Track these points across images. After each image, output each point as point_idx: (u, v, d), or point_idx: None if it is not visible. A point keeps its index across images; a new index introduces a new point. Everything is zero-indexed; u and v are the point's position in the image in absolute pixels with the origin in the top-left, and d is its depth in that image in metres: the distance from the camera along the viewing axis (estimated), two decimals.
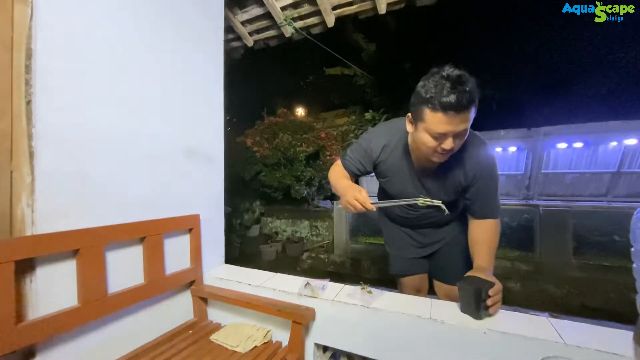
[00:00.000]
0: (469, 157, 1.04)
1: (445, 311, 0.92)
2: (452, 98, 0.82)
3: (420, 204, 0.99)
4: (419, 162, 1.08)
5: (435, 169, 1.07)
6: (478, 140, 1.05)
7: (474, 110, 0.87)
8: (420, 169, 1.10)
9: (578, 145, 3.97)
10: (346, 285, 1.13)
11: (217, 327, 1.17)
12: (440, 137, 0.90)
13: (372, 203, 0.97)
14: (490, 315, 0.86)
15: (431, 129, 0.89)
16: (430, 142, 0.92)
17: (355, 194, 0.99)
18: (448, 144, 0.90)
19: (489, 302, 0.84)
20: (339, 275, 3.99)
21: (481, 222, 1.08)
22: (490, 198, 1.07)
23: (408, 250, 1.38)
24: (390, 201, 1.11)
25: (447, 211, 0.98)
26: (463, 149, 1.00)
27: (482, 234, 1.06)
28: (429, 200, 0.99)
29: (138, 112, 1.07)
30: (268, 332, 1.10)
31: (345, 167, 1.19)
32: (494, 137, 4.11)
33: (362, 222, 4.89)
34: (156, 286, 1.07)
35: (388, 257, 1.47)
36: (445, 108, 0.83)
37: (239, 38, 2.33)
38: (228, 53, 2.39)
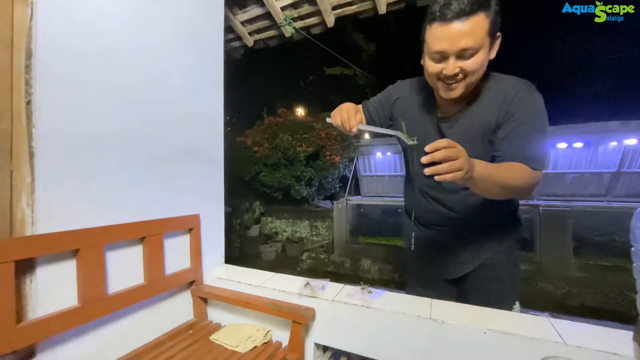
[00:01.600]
0: (503, 92, 0.81)
1: (445, 311, 0.92)
2: (447, 2, 0.68)
3: (401, 136, 0.82)
4: (440, 106, 0.92)
5: (459, 113, 0.88)
6: (517, 79, 0.84)
7: (485, 20, 0.69)
8: (443, 116, 0.92)
9: (578, 145, 3.98)
10: (346, 285, 1.13)
11: (217, 327, 1.17)
12: (440, 58, 0.75)
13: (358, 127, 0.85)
14: (432, 180, 0.63)
15: (430, 48, 0.75)
16: (431, 67, 0.77)
17: (350, 108, 0.85)
18: (450, 67, 0.73)
19: (423, 159, 0.61)
20: (339, 275, 3.99)
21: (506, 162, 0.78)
22: (526, 141, 0.77)
23: (429, 266, 1.12)
24: (374, 127, 0.93)
25: (409, 141, 0.77)
26: (495, 85, 0.82)
27: (499, 164, 0.77)
28: (405, 135, 0.80)
29: (138, 111, 1.07)
30: (268, 332, 1.10)
31: (364, 104, 1.08)
32: None
33: (362, 222, 4.89)
34: (156, 286, 1.07)
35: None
36: (442, 16, 0.69)
37: (239, 38, 2.33)
38: (228, 53, 2.39)
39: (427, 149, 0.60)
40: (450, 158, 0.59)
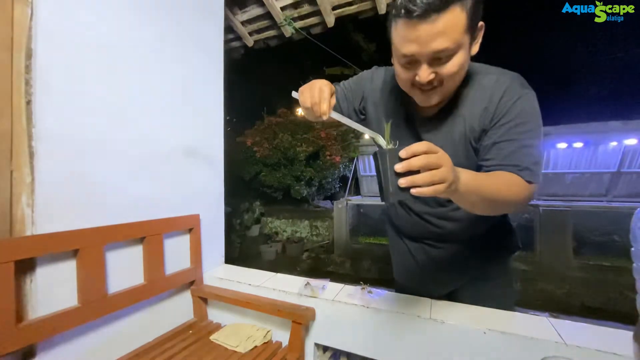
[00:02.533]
0: (488, 90, 0.70)
1: (445, 311, 0.92)
2: None
3: (379, 140, 0.60)
4: (418, 106, 0.78)
5: (439, 115, 0.77)
6: (505, 72, 0.72)
7: (461, 14, 0.56)
8: (421, 117, 0.81)
9: (578, 145, 3.98)
10: (346, 285, 1.13)
11: (217, 327, 1.17)
12: (410, 63, 0.63)
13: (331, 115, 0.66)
14: (408, 194, 0.48)
15: (397, 50, 0.63)
16: (400, 72, 0.67)
17: (323, 88, 0.65)
18: (423, 74, 0.62)
19: (397, 167, 0.48)
20: (339, 275, 3.99)
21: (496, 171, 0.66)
22: (517, 148, 0.65)
23: (414, 282, 1.06)
24: (351, 122, 0.66)
25: (383, 145, 0.57)
26: (480, 82, 0.71)
27: (488, 174, 0.65)
28: (383, 138, 0.59)
29: (138, 111, 1.07)
30: (268, 332, 1.10)
31: (336, 87, 0.90)
32: None
33: (362, 222, 4.89)
34: (156, 286, 1.07)
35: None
36: (407, 12, 0.56)
37: (239, 38, 2.33)
38: (228, 53, 2.39)
39: (402, 154, 0.47)
40: (430, 166, 0.47)
